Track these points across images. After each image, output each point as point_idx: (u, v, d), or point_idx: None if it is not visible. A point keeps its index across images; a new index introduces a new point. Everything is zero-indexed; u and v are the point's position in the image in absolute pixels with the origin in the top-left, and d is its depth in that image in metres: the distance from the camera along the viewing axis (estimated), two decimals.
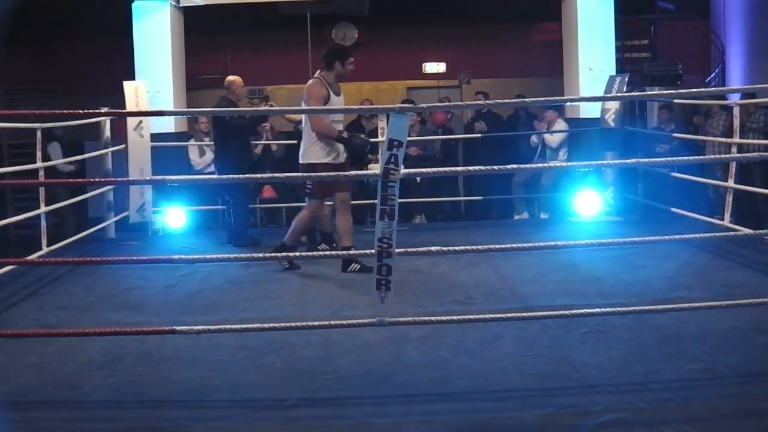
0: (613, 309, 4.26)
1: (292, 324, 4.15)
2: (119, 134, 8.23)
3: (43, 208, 6.50)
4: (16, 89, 11.73)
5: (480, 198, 9.39)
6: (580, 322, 4.44)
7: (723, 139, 7.61)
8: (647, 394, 3.49)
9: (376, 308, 3.75)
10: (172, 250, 7.23)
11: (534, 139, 9.51)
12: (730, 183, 6.80)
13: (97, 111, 5.33)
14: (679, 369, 3.79)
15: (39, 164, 6.55)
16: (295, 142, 7.47)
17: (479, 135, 9.50)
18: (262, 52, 12.21)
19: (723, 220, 6.80)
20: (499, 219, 9.74)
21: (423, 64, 12.77)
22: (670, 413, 3.27)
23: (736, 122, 6.95)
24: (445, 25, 12.20)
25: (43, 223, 6.47)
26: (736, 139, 6.91)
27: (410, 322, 4.08)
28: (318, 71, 6.12)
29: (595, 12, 9.14)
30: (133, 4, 8.89)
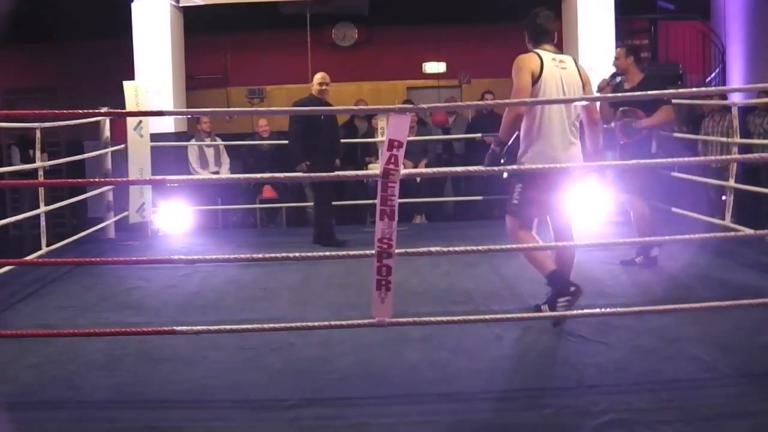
0: (614, 309, 4.26)
1: (292, 324, 4.14)
2: (119, 134, 8.23)
3: (43, 208, 6.50)
4: (16, 89, 11.74)
5: (480, 198, 9.39)
6: (581, 322, 4.43)
7: (724, 139, 7.60)
8: (647, 394, 3.48)
9: (376, 309, 3.75)
10: (171, 250, 7.23)
11: None
12: (731, 183, 6.80)
13: (97, 111, 5.33)
14: (680, 369, 3.78)
15: (38, 164, 6.55)
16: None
17: (479, 135, 9.49)
18: (262, 52, 12.22)
19: (723, 220, 6.79)
20: (499, 219, 9.72)
21: (423, 64, 12.78)
22: (670, 413, 3.27)
23: (736, 123, 6.95)
24: (445, 25, 12.20)
25: (43, 223, 6.47)
26: (737, 140, 6.91)
27: (410, 323, 4.07)
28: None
29: (595, 12, 9.13)
30: (133, 4, 8.88)
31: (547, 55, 4.55)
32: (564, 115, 4.52)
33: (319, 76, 7.37)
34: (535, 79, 4.45)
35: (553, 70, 4.50)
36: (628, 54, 6.10)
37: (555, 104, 4.47)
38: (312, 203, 9.19)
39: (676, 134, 8.50)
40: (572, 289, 4.39)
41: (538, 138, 4.47)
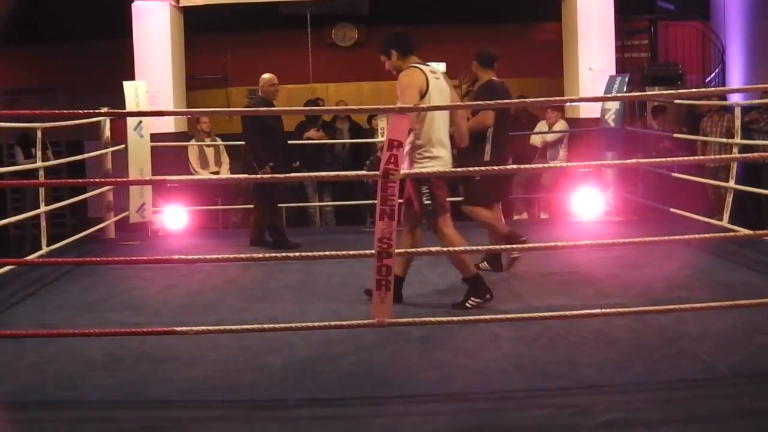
0: (613, 310, 4.26)
1: (292, 324, 4.15)
2: (119, 134, 8.23)
3: (43, 208, 6.50)
4: (16, 89, 11.73)
5: None
6: (580, 322, 4.44)
7: (723, 140, 7.61)
8: (647, 394, 3.49)
9: (376, 309, 3.75)
10: (171, 250, 7.23)
11: (536, 139, 9.51)
12: (731, 184, 6.80)
13: (97, 111, 5.34)
14: (679, 369, 3.79)
15: (39, 164, 6.55)
16: None
17: None
18: (262, 52, 12.20)
19: (721, 220, 6.80)
20: None
21: None
22: (670, 413, 3.27)
23: (737, 122, 6.96)
24: (445, 25, 12.18)
25: (43, 223, 6.46)
26: (737, 140, 6.92)
27: (410, 323, 4.07)
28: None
29: (595, 12, 9.14)
30: (133, 4, 8.89)
31: (425, 68, 4.92)
32: (447, 122, 5.03)
33: (269, 77, 7.30)
34: (423, 94, 4.79)
35: (433, 83, 4.88)
36: (473, 59, 5.94)
37: (442, 113, 4.95)
38: (311, 203, 9.21)
39: (676, 135, 8.52)
40: (487, 296, 4.90)
41: (433, 144, 4.86)
